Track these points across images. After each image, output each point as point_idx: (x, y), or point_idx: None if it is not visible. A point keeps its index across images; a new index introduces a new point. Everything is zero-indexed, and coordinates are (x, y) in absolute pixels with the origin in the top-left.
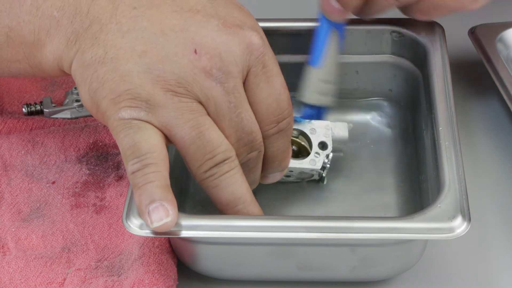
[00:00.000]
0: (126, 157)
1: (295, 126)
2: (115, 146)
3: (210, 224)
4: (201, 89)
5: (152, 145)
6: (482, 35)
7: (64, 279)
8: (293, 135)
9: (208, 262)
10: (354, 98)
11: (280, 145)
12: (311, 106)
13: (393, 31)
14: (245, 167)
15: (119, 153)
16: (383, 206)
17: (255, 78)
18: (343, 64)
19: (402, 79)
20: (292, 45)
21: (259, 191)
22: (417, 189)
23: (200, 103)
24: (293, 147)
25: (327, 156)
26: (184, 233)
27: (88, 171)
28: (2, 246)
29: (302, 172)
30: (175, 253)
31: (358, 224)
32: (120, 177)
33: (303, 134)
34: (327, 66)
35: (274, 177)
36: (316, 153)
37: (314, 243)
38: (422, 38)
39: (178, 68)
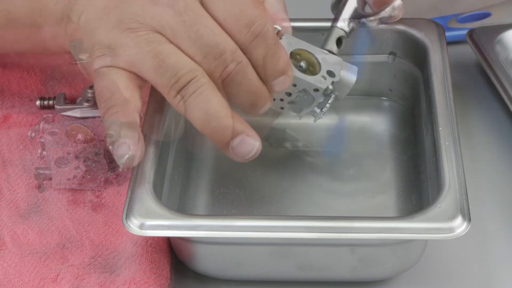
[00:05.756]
0: (98, 104)
1: (307, 49)
2: None
3: (210, 224)
4: (152, 17)
5: (114, 88)
6: (481, 37)
7: (58, 275)
8: (306, 51)
9: (208, 262)
10: (354, 98)
11: (264, 51)
12: None
13: (393, 31)
14: (231, 82)
15: None
16: (383, 206)
17: None
18: None
19: (402, 79)
20: None
21: (258, 190)
22: (417, 189)
23: (157, 31)
24: (302, 63)
25: (332, 83)
26: (184, 233)
27: (85, 168)
28: None
29: (305, 90)
30: (175, 253)
31: (358, 224)
32: (118, 175)
33: (312, 58)
34: None
35: (280, 83)
36: (323, 76)
37: (314, 243)
38: (422, 38)
39: (129, 5)
